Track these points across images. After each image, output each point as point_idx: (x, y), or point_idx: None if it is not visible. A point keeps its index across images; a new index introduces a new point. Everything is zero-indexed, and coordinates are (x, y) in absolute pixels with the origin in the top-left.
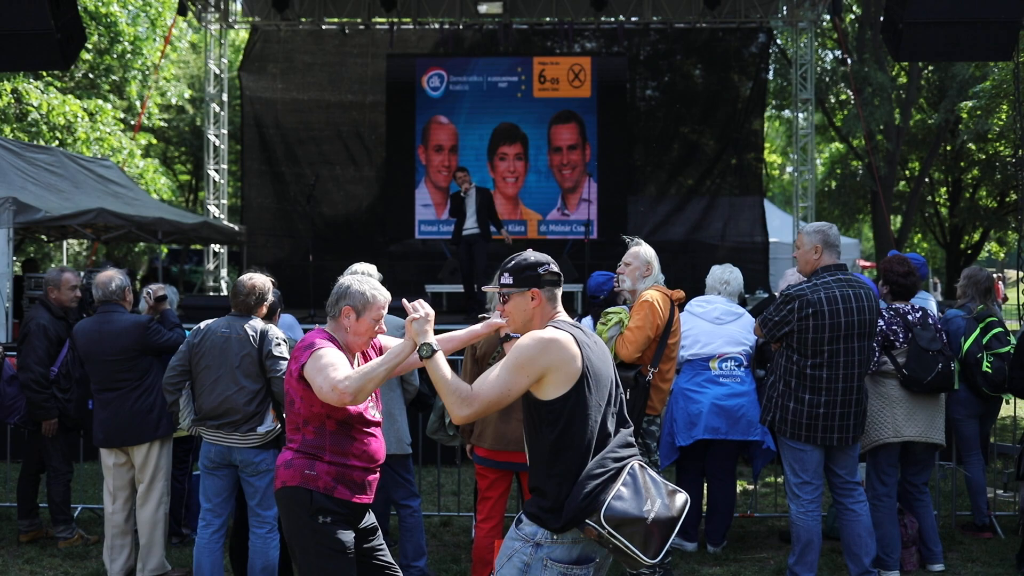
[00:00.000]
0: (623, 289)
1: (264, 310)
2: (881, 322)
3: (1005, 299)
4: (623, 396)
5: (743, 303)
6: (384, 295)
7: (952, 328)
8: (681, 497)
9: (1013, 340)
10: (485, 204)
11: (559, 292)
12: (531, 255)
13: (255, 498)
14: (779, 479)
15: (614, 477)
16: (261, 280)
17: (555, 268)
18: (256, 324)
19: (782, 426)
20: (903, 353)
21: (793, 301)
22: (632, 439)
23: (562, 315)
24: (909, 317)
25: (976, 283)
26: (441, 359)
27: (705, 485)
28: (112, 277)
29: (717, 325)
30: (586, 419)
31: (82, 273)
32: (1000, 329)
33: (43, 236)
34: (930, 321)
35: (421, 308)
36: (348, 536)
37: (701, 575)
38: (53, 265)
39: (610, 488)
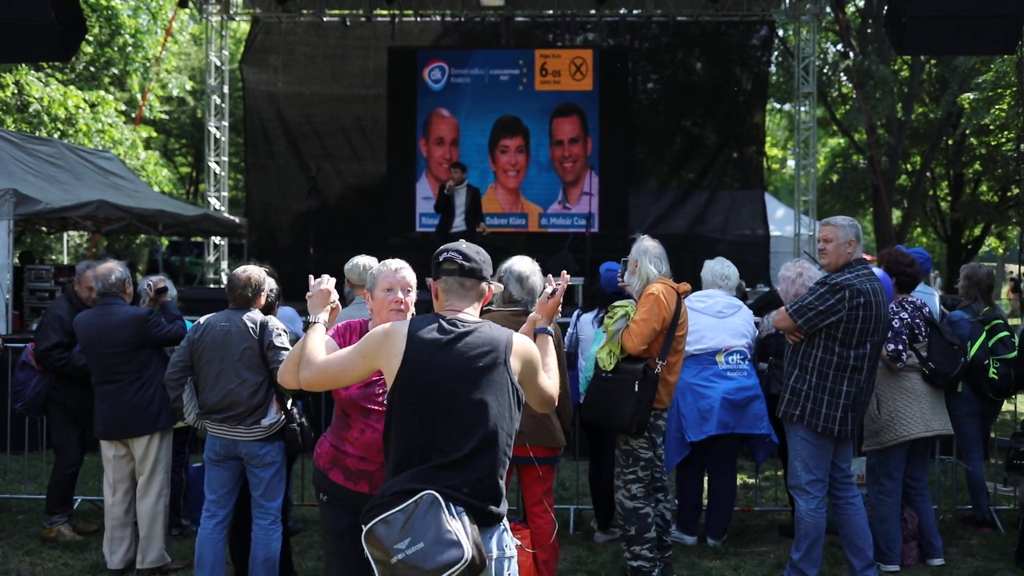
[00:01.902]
0: (626, 285)
1: (262, 301)
2: (905, 315)
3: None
4: (494, 422)
5: (744, 297)
6: (392, 264)
7: (959, 332)
8: (454, 553)
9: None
10: (474, 204)
11: (468, 283)
12: (448, 244)
13: (259, 488)
14: (779, 473)
15: (399, 500)
16: (256, 271)
17: (457, 258)
18: (255, 316)
19: (813, 420)
20: (924, 347)
21: (842, 290)
22: (460, 474)
23: (461, 312)
24: (925, 311)
25: (977, 282)
26: (314, 331)
27: (706, 479)
28: (112, 269)
29: (720, 319)
30: (400, 423)
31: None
32: (1006, 333)
33: (43, 228)
34: (935, 317)
35: (318, 285)
36: (342, 519)
37: (701, 568)
38: (54, 257)
39: (389, 509)
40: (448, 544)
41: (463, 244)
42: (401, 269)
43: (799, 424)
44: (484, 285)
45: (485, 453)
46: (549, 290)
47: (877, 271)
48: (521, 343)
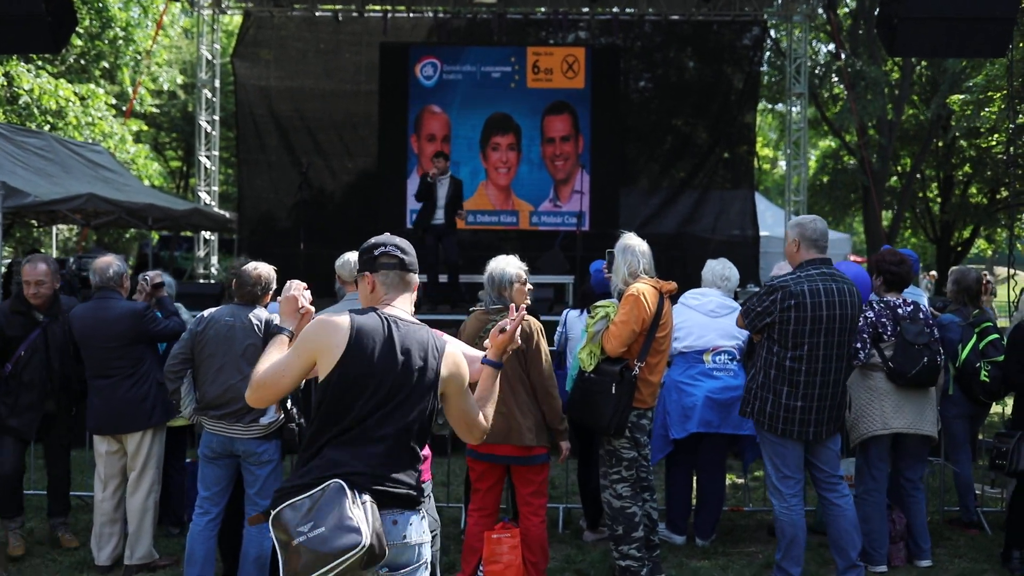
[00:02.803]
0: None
1: (268, 299)
2: (871, 314)
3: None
4: (414, 419)
5: (735, 297)
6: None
7: (950, 336)
8: (353, 538)
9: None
10: (455, 196)
11: (407, 277)
12: (378, 238)
13: (255, 486)
14: None
15: (309, 485)
16: (266, 269)
17: (395, 252)
18: (260, 314)
19: (760, 418)
20: (890, 346)
21: (776, 292)
22: (374, 466)
23: (393, 305)
24: (899, 311)
25: (967, 287)
26: (275, 342)
27: (695, 478)
28: (110, 263)
29: (711, 318)
30: (328, 412)
31: (71, 259)
32: (996, 336)
33: (32, 221)
34: (921, 315)
35: (287, 290)
36: None
37: (689, 568)
38: (43, 251)
39: (298, 495)
40: (348, 530)
41: (395, 238)
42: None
43: (756, 422)
44: (415, 277)
45: (401, 444)
46: (502, 324)
47: (851, 270)
48: (453, 352)
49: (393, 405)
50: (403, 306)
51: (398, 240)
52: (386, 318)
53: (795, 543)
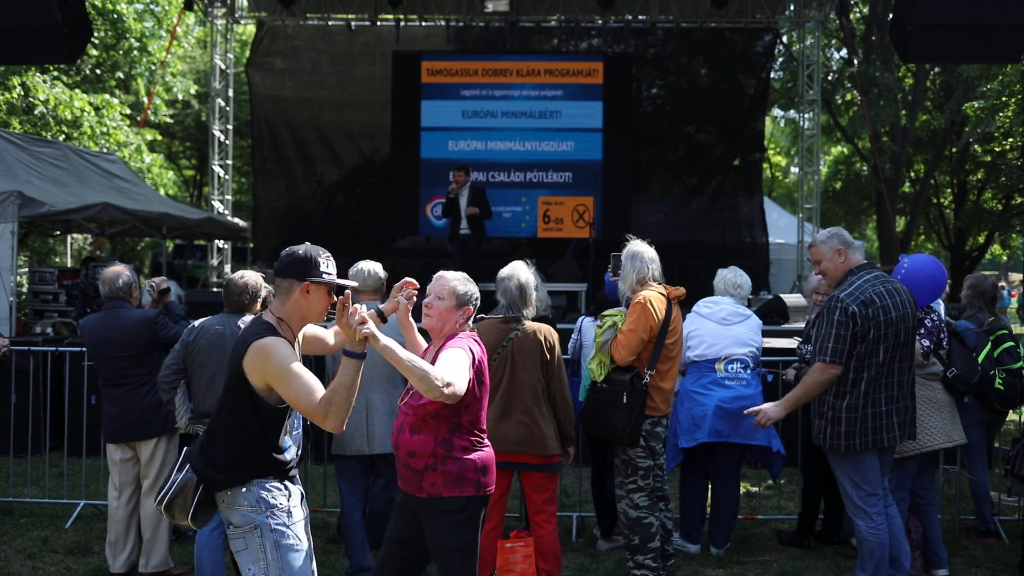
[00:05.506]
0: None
1: (258, 307)
2: (929, 323)
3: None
4: (234, 406)
5: (747, 304)
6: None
7: (967, 342)
8: (159, 494)
9: (1023, 351)
10: (478, 202)
11: (277, 281)
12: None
13: None
14: (782, 481)
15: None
16: (253, 278)
17: (276, 264)
18: (250, 320)
19: (849, 441)
20: (946, 354)
21: (848, 314)
22: (204, 443)
23: (270, 308)
24: (933, 315)
25: (982, 293)
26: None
27: (709, 487)
28: (119, 273)
29: (724, 326)
30: None
31: (82, 271)
32: (1011, 343)
33: (48, 230)
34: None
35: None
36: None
37: None
38: (57, 260)
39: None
40: (160, 489)
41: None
42: (439, 279)
43: (845, 447)
44: (293, 282)
45: (215, 431)
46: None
47: (904, 274)
48: (254, 349)
49: (223, 393)
50: (275, 308)
51: (288, 249)
52: (243, 321)
53: (883, 563)
